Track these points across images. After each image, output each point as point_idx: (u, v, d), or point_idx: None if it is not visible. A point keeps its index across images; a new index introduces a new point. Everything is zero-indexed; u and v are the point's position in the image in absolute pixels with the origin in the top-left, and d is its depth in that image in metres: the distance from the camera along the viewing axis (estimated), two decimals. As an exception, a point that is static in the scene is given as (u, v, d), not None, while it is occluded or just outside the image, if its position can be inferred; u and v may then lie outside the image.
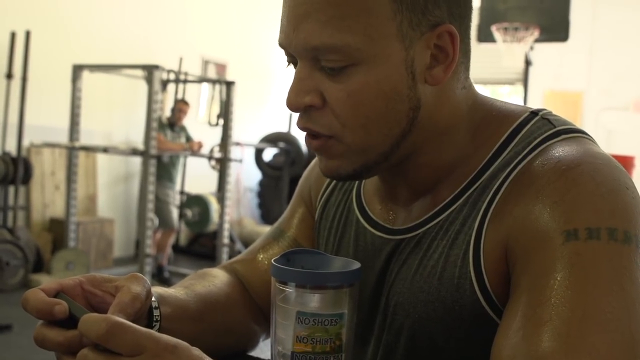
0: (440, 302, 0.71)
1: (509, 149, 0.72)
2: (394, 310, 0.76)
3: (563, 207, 0.63)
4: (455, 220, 0.72)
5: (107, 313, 0.62)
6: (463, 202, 0.72)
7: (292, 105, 0.70)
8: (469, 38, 0.74)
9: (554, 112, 0.76)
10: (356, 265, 0.68)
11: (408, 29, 0.67)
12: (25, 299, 0.61)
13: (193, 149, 5.65)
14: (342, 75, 0.68)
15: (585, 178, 0.64)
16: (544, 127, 0.72)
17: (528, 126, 0.73)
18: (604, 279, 0.59)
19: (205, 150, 6.05)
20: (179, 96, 6.17)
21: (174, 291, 0.81)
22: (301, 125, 0.72)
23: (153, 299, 0.73)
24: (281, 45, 0.71)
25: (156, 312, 0.73)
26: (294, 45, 0.69)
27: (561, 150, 0.68)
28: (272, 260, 0.67)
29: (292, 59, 0.72)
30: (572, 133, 0.71)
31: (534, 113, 0.75)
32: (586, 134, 0.73)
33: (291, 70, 0.73)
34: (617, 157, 0.69)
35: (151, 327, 0.72)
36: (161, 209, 5.49)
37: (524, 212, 0.66)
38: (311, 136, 0.73)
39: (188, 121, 6.45)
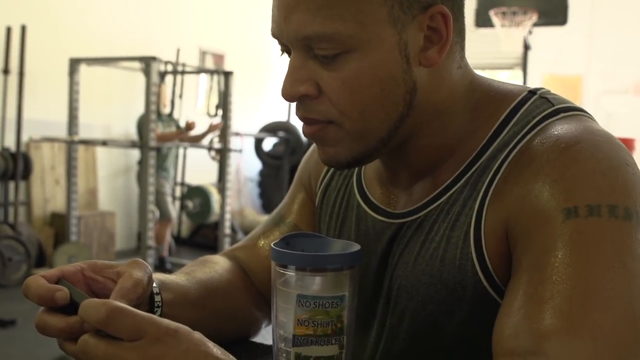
0: (442, 284, 0.71)
1: (507, 128, 0.72)
2: (397, 294, 0.76)
3: (563, 184, 0.63)
4: (456, 202, 0.72)
5: (109, 299, 0.62)
6: (463, 183, 0.72)
7: (287, 95, 0.70)
8: (463, 17, 0.73)
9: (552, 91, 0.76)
10: (356, 247, 0.68)
11: (399, 12, 0.67)
12: (26, 286, 0.61)
13: (191, 127, 5.57)
14: (335, 63, 0.67)
15: (585, 155, 0.64)
16: (542, 105, 0.72)
17: (526, 105, 0.73)
18: (605, 255, 0.59)
19: (204, 141, 6.04)
20: (177, 88, 6.16)
21: (175, 277, 0.81)
22: (300, 115, 0.72)
23: (154, 285, 0.73)
24: (273, 35, 0.71)
25: (157, 298, 0.73)
26: (286, 35, 0.69)
27: (560, 128, 0.68)
28: (272, 244, 0.67)
29: (285, 48, 0.72)
30: (571, 111, 0.71)
31: (532, 92, 0.75)
32: (585, 111, 0.73)
33: (287, 59, 0.73)
34: (617, 140, 0.69)
35: (152, 313, 0.72)
36: (157, 200, 5.48)
37: (524, 191, 0.65)
38: (307, 123, 0.72)
39: (186, 111, 6.44)
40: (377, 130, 0.71)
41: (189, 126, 5.55)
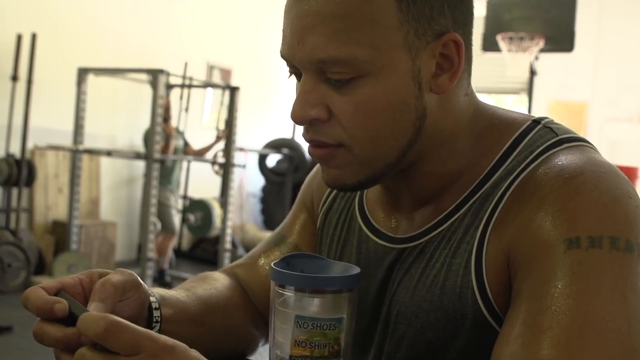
0: (442, 312, 0.70)
1: (511, 157, 0.72)
2: (396, 319, 0.75)
3: (565, 215, 0.63)
4: (458, 229, 0.72)
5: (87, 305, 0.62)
6: (465, 211, 0.72)
7: (297, 118, 0.69)
8: (471, 45, 0.74)
9: (556, 121, 0.76)
10: (356, 270, 0.68)
11: (414, 38, 0.67)
12: (25, 297, 0.61)
13: (220, 137, 5.69)
14: (348, 87, 0.67)
15: (588, 186, 0.64)
16: (546, 135, 0.72)
17: (530, 135, 0.73)
18: (605, 287, 0.59)
19: (209, 155, 6.06)
20: (184, 101, 6.18)
21: (175, 293, 0.81)
22: (308, 137, 0.72)
23: (154, 299, 0.73)
24: (284, 57, 0.71)
25: (156, 313, 0.73)
26: (299, 58, 0.68)
27: (564, 159, 0.68)
28: (272, 264, 0.67)
29: (295, 70, 0.71)
30: (575, 142, 0.71)
31: (536, 122, 0.75)
32: (589, 142, 0.73)
33: (293, 80, 0.73)
34: (621, 168, 0.69)
35: (152, 328, 0.72)
36: (161, 212, 5.48)
37: (526, 220, 0.65)
38: (315, 145, 0.72)
39: (192, 126, 6.46)
40: (386, 156, 0.71)
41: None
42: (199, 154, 5.88)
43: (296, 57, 0.68)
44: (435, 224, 0.74)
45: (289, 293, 0.64)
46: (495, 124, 0.76)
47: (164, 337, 0.54)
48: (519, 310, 0.61)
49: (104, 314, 0.55)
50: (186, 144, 5.87)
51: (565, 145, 0.70)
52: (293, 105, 0.69)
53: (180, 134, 5.87)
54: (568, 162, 0.67)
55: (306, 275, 0.67)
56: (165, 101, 5.50)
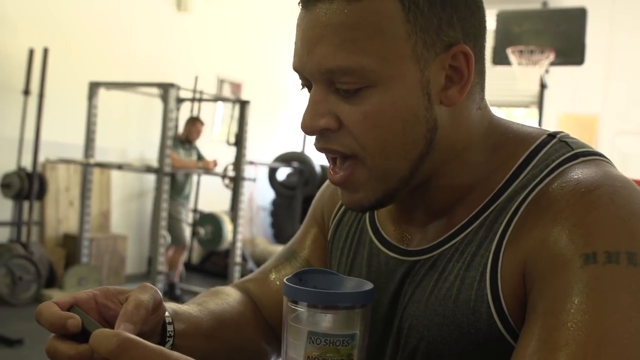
0: (455, 325, 0.69)
1: (526, 171, 0.71)
2: (408, 333, 0.75)
3: (582, 229, 0.62)
4: (471, 242, 0.71)
5: (115, 324, 0.62)
6: (479, 224, 0.72)
7: (307, 128, 0.70)
8: (483, 58, 0.74)
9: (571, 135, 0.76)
10: (369, 285, 0.67)
11: (423, 49, 0.67)
12: (39, 312, 0.61)
13: (208, 167, 5.67)
14: (357, 97, 0.67)
15: (604, 200, 0.63)
16: (561, 149, 0.72)
17: (546, 149, 0.72)
18: (622, 304, 0.58)
19: (219, 168, 6.07)
20: (194, 114, 6.20)
21: (188, 308, 0.80)
22: (320, 147, 0.72)
23: (167, 314, 0.73)
24: (295, 69, 0.71)
25: (170, 328, 0.73)
26: (308, 69, 0.69)
27: (580, 173, 0.67)
28: (285, 280, 0.67)
29: (306, 83, 0.72)
30: (590, 156, 0.71)
31: (552, 136, 0.74)
32: (604, 156, 0.72)
33: (303, 94, 0.73)
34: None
35: (165, 343, 0.72)
36: (173, 226, 5.50)
37: (542, 234, 0.65)
38: (333, 170, 0.72)
39: (202, 139, 6.48)
40: (398, 169, 0.70)
41: (206, 165, 5.65)
42: (205, 168, 5.87)
43: (306, 67, 0.69)
44: (448, 236, 0.74)
45: (302, 309, 0.64)
46: (509, 137, 0.75)
47: (176, 354, 0.54)
48: (534, 325, 0.61)
49: (117, 330, 0.55)
50: (200, 157, 5.89)
51: (581, 159, 0.70)
52: (303, 116, 0.70)
53: (195, 148, 5.89)
54: (584, 176, 0.66)
55: (319, 291, 0.66)
56: (199, 127, 5.57)
